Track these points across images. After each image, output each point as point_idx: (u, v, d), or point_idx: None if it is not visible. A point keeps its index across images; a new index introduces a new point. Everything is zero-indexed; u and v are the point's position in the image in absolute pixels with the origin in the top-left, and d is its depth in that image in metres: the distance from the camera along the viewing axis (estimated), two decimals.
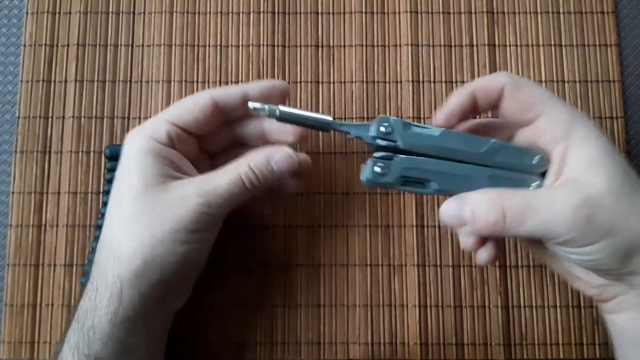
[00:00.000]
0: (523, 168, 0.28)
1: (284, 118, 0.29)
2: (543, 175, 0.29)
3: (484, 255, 0.29)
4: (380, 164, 0.28)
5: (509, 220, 0.25)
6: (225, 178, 0.28)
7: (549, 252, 0.29)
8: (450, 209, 0.27)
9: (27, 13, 0.40)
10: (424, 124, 0.30)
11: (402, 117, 0.38)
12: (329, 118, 0.29)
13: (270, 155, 0.29)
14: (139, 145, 0.28)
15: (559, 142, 0.27)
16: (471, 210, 0.26)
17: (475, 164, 0.29)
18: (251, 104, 0.29)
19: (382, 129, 0.28)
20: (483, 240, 0.29)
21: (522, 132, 0.29)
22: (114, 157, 0.37)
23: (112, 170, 0.37)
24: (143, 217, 0.27)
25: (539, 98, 0.27)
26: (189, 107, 0.30)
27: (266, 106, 0.29)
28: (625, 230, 0.24)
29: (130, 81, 0.39)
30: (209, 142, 0.32)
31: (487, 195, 0.26)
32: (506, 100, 0.28)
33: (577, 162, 0.26)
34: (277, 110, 0.29)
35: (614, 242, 0.24)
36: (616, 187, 0.25)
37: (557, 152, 0.27)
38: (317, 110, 0.39)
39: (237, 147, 0.34)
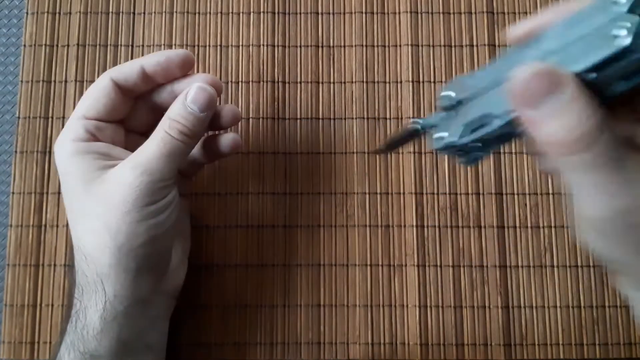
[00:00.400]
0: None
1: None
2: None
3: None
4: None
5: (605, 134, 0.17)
6: (152, 142, 0.27)
7: None
8: (526, 72, 0.18)
9: (27, 13, 0.40)
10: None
11: (402, 118, 0.38)
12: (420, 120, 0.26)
13: (183, 97, 0.28)
14: (64, 152, 0.28)
15: None
16: (574, 89, 0.17)
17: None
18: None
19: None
20: None
21: None
22: None
23: None
24: (92, 211, 0.27)
25: None
26: (93, 95, 0.29)
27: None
28: None
29: None
30: (133, 122, 0.32)
31: None
32: None
33: None
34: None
35: None
36: None
37: None
38: (317, 111, 0.39)
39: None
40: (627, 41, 0.17)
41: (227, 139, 0.32)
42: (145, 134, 0.31)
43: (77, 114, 0.29)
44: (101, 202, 0.26)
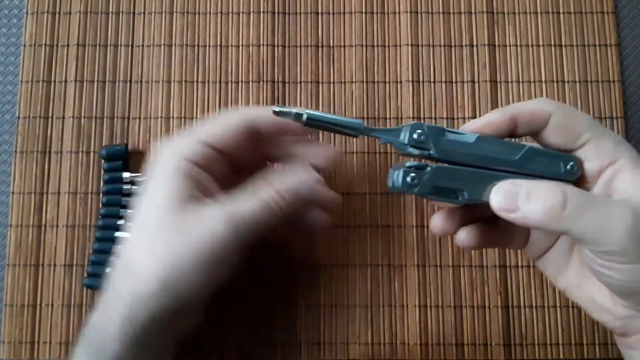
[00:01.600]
0: (556, 175, 0.27)
1: (311, 123, 0.26)
2: (575, 183, 0.27)
3: (462, 235, 0.28)
4: (413, 174, 0.26)
5: (569, 208, 0.23)
6: (252, 203, 0.27)
7: (573, 279, 0.28)
8: (503, 188, 0.25)
9: (27, 13, 0.40)
10: (457, 128, 0.28)
11: (402, 118, 0.38)
12: (360, 122, 0.27)
13: (299, 177, 0.28)
14: (169, 163, 0.27)
15: (606, 169, 0.26)
16: (527, 191, 0.24)
17: (508, 171, 0.27)
18: (276, 107, 0.26)
19: (415, 136, 0.26)
20: (468, 220, 0.28)
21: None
22: (110, 157, 0.37)
23: (109, 170, 0.37)
24: (165, 239, 0.26)
25: (586, 127, 0.26)
26: (223, 128, 0.28)
27: (293, 110, 0.26)
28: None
29: (130, 81, 0.39)
30: (239, 159, 0.31)
31: (546, 182, 0.25)
32: (551, 128, 0.26)
33: (627, 186, 0.25)
34: (304, 115, 0.26)
35: None
36: None
37: (603, 178, 0.26)
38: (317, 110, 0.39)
39: (265, 163, 0.33)
40: (390, 185, 0.26)
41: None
42: (242, 170, 0.31)
43: (196, 136, 0.28)
44: (179, 235, 0.26)
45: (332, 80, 0.39)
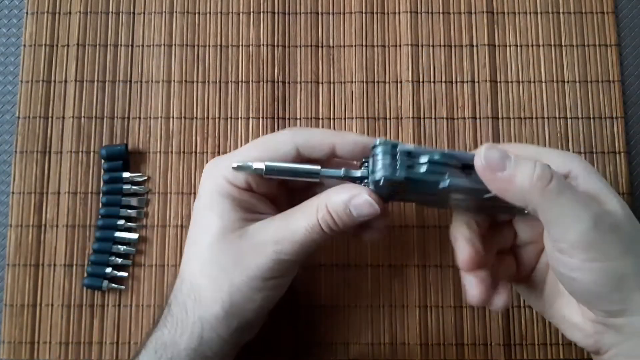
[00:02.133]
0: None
1: (272, 174, 0.27)
2: None
3: (500, 301, 0.28)
4: (387, 160, 0.25)
5: (554, 184, 0.23)
6: (302, 223, 0.27)
7: (545, 299, 0.29)
8: (494, 147, 0.25)
9: (27, 13, 0.40)
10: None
11: (402, 117, 0.38)
12: (318, 167, 0.27)
13: (350, 199, 0.26)
14: (216, 186, 0.28)
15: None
16: (517, 158, 0.24)
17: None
18: (234, 163, 0.27)
19: (380, 177, 0.25)
20: (494, 285, 0.28)
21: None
22: (110, 157, 0.37)
23: (109, 170, 0.37)
24: (221, 263, 0.27)
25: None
26: (271, 153, 0.28)
27: (252, 165, 0.27)
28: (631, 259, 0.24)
29: (130, 81, 0.39)
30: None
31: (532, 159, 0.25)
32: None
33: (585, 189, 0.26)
34: (263, 170, 0.27)
35: (614, 266, 0.24)
36: (630, 215, 0.25)
37: None
38: (317, 110, 0.39)
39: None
40: (378, 176, 0.25)
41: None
42: (293, 189, 0.31)
43: (241, 159, 0.27)
44: (233, 257, 0.27)
45: (332, 80, 0.39)
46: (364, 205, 0.26)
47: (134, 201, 0.37)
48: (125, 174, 0.37)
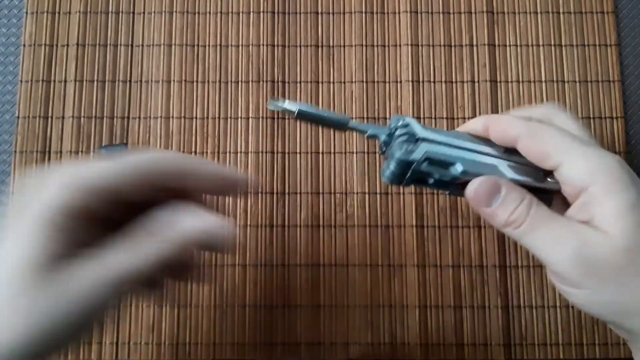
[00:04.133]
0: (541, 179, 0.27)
1: (302, 117, 0.26)
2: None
3: None
4: (404, 139, 0.26)
5: (527, 222, 0.25)
6: (134, 255, 0.23)
7: None
8: (486, 181, 0.26)
9: (27, 13, 0.40)
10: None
11: None
12: (347, 118, 0.27)
13: (187, 222, 0.24)
14: (38, 215, 0.22)
15: (581, 193, 0.25)
16: (505, 195, 0.25)
17: (496, 156, 0.27)
18: (271, 105, 0.26)
19: (401, 122, 0.26)
20: None
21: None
22: (110, 157, 0.37)
23: None
24: (35, 307, 0.22)
25: (556, 148, 0.25)
26: (111, 175, 0.24)
27: (284, 103, 0.26)
28: (626, 289, 0.24)
29: (130, 81, 0.39)
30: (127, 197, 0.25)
31: (519, 192, 0.25)
32: (521, 149, 0.26)
33: (600, 213, 0.24)
34: (295, 111, 0.26)
35: (608, 299, 0.24)
36: (633, 245, 0.23)
37: (578, 203, 0.25)
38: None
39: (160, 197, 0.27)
40: (396, 158, 0.25)
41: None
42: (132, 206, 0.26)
43: (79, 181, 0.23)
44: (55, 299, 0.22)
45: (332, 80, 0.39)
46: (198, 229, 0.24)
47: None
48: None
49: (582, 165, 0.25)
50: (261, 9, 0.40)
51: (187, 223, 0.24)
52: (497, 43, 0.40)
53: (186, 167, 0.25)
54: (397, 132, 0.26)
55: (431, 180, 0.26)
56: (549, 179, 0.27)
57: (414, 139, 0.26)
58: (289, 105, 0.26)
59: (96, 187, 0.23)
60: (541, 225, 0.25)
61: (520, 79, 0.39)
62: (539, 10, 0.40)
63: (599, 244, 0.24)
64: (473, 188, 0.26)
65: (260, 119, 0.38)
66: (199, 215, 0.24)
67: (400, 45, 0.40)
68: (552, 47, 0.39)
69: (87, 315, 0.22)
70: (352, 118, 0.38)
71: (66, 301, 0.22)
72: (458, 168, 0.26)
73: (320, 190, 0.38)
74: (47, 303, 0.22)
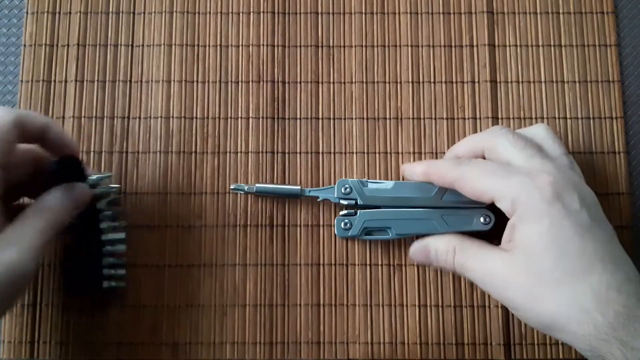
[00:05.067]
0: (470, 203, 0.33)
1: (261, 193, 0.36)
2: (490, 207, 0.33)
3: None
4: (345, 221, 0.35)
5: (457, 259, 0.31)
6: (18, 247, 0.27)
7: None
8: (418, 249, 0.34)
9: (27, 13, 0.40)
10: (381, 180, 0.37)
11: (401, 118, 0.39)
12: (298, 187, 0.36)
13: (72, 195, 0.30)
14: None
15: (510, 217, 0.29)
16: (435, 250, 0.33)
17: (427, 207, 0.34)
18: (232, 185, 0.37)
19: (343, 190, 0.35)
20: None
21: None
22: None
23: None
24: None
25: (485, 187, 0.29)
26: None
27: (245, 186, 0.36)
28: (536, 310, 0.27)
29: (130, 81, 0.39)
30: (17, 174, 0.30)
31: (445, 239, 0.32)
32: (459, 190, 0.31)
33: (514, 240, 0.28)
34: (254, 188, 0.36)
35: (536, 319, 0.27)
36: (538, 272, 0.26)
37: (508, 225, 0.29)
38: (317, 110, 0.39)
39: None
40: (335, 233, 0.36)
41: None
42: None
43: None
44: None
45: (332, 80, 0.39)
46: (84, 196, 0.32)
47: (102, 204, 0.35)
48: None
49: (506, 197, 0.28)
50: (261, 9, 0.40)
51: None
52: (497, 43, 0.40)
53: (43, 120, 0.30)
54: (342, 201, 0.35)
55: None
56: (481, 219, 0.34)
57: (353, 212, 0.35)
58: (248, 187, 0.36)
59: None
60: (465, 264, 0.31)
61: (520, 80, 0.39)
62: (539, 11, 0.40)
63: (506, 271, 0.28)
64: (411, 253, 0.34)
65: (260, 119, 0.38)
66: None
67: (400, 46, 0.40)
68: (552, 48, 0.39)
69: None
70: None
71: None
72: (392, 232, 0.35)
73: None
74: None
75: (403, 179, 0.37)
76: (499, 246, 0.30)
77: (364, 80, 0.39)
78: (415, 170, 0.34)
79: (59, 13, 0.40)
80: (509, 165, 0.30)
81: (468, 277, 0.31)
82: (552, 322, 0.26)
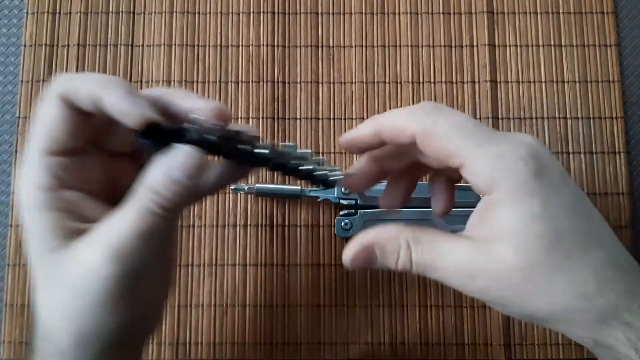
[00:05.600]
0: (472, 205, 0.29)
1: (260, 192, 0.36)
2: None
3: (437, 207, 0.28)
4: (345, 221, 0.35)
5: (413, 256, 0.24)
6: (128, 217, 0.21)
7: None
8: (354, 256, 0.24)
9: (27, 13, 0.40)
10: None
11: None
12: (298, 187, 0.36)
13: (167, 165, 0.22)
14: (25, 203, 0.22)
15: (484, 195, 0.23)
16: (381, 249, 0.24)
17: (427, 207, 0.31)
18: (233, 186, 0.36)
19: (343, 189, 0.35)
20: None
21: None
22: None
23: None
24: (55, 290, 0.22)
25: (457, 147, 0.22)
26: (46, 121, 0.22)
27: (245, 186, 0.36)
28: (529, 306, 0.22)
29: (131, 81, 0.39)
30: (114, 140, 0.25)
31: (392, 233, 0.24)
32: (420, 148, 0.23)
33: (492, 226, 0.22)
34: (254, 188, 0.36)
35: (519, 312, 0.23)
36: (529, 263, 0.22)
37: (480, 205, 0.23)
38: (317, 110, 0.39)
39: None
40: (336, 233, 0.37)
41: None
42: (133, 155, 0.25)
43: (35, 149, 0.22)
44: (65, 284, 0.22)
45: (332, 80, 0.39)
46: (185, 161, 0.21)
47: None
48: None
49: (482, 169, 0.22)
50: (261, 9, 0.40)
51: (161, 165, 0.22)
52: (497, 43, 0.40)
53: (97, 91, 0.22)
54: (342, 202, 0.36)
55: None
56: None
57: (353, 212, 0.36)
58: (248, 187, 0.36)
59: (46, 147, 0.22)
60: (427, 263, 0.23)
61: (520, 79, 0.39)
62: (539, 11, 0.40)
63: (492, 265, 0.22)
64: (346, 259, 0.24)
65: (260, 119, 0.38)
66: (171, 154, 0.22)
67: (400, 46, 0.40)
68: (552, 48, 0.39)
69: (99, 291, 0.21)
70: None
71: (75, 283, 0.21)
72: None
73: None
74: (64, 292, 0.22)
75: None
76: (461, 234, 0.24)
77: (364, 80, 0.39)
78: (361, 132, 0.25)
79: (59, 13, 0.40)
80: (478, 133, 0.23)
81: (432, 277, 0.24)
82: (549, 315, 0.22)
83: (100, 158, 0.24)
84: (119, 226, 0.21)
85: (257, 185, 0.36)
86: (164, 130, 0.21)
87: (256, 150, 0.23)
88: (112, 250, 0.21)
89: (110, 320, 0.22)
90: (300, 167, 0.24)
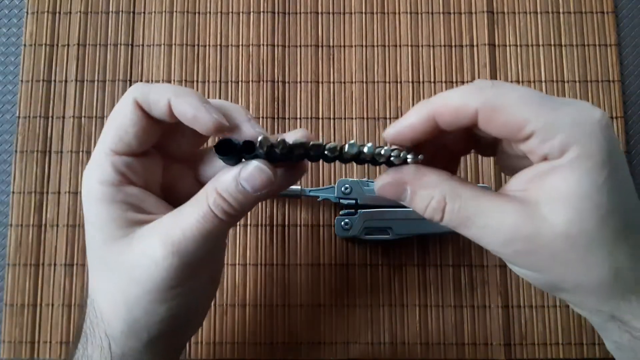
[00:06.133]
0: None
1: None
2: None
3: None
4: (346, 220, 0.35)
5: (448, 210, 0.23)
6: (192, 216, 0.23)
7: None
8: (388, 180, 0.24)
9: (27, 13, 0.40)
10: None
11: None
12: (298, 187, 0.36)
13: (239, 172, 0.23)
14: (90, 196, 0.24)
15: (543, 161, 0.22)
16: (412, 190, 0.24)
17: None
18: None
19: (343, 190, 0.35)
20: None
21: (510, 145, 0.24)
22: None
23: None
24: (111, 277, 0.24)
25: (530, 115, 0.21)
26: (120, 123, 0.24)
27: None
28: (559, 275, 0.22)
29: (130, 81, 0.39)
30: (174, 147, 0.26)
31: (433, 180, 0.23)
32: (483, 125, 0.22)
33: (549, 189, 0.21)
34: None
35: (545, 279, 0.22)
36: (579, 232, 0.21)
37: (534, 169, 0.22)
38: (317, 110, 0.39)
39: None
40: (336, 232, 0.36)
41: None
42: (189, 161, 0.27)
43: (104, 147, 0.24)
44: (122, 271, 0.23)
45: (332, 80, 0.39)
46: (255, 174, 0.23)
47: None
48: None
49: (558, 132, 0.21)
50: (261, 9, 0.40)
51: (232, 171, 0.23)
52: (497, 43, 0.40)
53: (168, 94, 0.23)
54: (342, 201, 0.35)
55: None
56: None
57: (353, 212, 0.35)
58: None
59: (115, 147, 0.24)
60: (463, 218, 0.23)
61: (520, 79, 0.39)
62: (539, 10, 0.40)
63: (538, 230, 0.21)
64: (378, 187, 0.25)
65: (260, 119, 0.38)
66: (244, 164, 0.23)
67: (400, 46, 0.40)
68: (552, 47, 0.39)
69: (157, 280, 0.23)
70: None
71: (134, 270, 0.23)
72: (392, 232, 0.35)
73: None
74: (123, 279, 0.23)
75: None
76: (504, 194, 0.23)
77: (364, 80, 0.39)
78: (411, 121, 0.23)
79: (59, 13, 0.40)
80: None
81: (463, 233, 0.23)
82: (575, 286, 0.22)
83: (161, 161, 0.26)
84: (183, 223, 0.23)
85: None
86: (234, 146, 0.23)
87: (342, 154, 0.24)
88: (173, 244, 0.22)
89: (161, 310, 0.24)
90: (376, 155, 0.24)
